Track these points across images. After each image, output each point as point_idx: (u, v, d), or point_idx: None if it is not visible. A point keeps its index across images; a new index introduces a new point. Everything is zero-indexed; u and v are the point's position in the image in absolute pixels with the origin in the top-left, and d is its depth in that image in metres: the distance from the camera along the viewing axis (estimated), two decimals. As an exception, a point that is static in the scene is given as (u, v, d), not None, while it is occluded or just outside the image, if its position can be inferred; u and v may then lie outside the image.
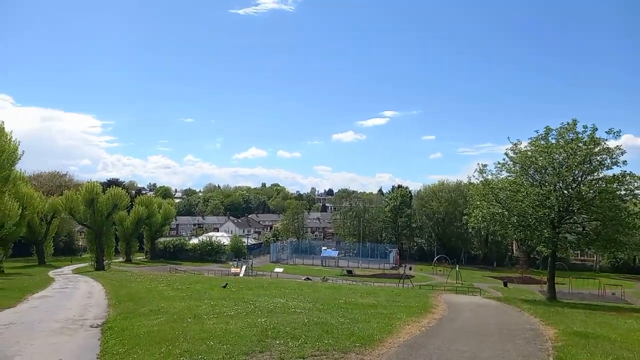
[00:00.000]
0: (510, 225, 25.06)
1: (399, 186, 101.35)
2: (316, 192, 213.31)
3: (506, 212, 24.66)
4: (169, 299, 16.22)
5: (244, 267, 54.18)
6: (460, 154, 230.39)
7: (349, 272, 57.70)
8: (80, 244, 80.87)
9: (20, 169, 44.40)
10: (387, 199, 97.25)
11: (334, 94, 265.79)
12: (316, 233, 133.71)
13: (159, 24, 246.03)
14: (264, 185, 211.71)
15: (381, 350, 8.45)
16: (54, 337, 10.15)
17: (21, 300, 17.86)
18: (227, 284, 23.14)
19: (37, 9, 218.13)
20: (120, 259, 66.04)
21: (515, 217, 24.44)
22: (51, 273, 41.85)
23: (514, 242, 73.17)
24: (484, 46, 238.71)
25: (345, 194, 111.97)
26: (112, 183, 71.98)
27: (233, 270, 53.97)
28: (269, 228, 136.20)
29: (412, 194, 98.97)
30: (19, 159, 31.14)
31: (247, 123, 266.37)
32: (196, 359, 7.13)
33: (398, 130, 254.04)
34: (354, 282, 41.82)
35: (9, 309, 15.02)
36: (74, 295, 20.06)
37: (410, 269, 60.24)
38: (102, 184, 61.84)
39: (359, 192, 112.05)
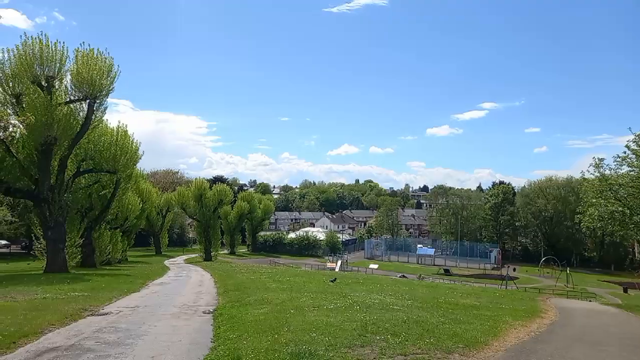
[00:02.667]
0: (633, 225, 22.54)
1: (501, 182, 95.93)
2: (410, 189, 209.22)
3: (627, 211, 22.20)
4: (272, 290, 17.03)
5: (339, 262, 54.99)
6: (569, 146, 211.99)
7: (447, 271, 55.91)
8: (190, 236, 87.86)
9: (140, 167, 49.28)
10: (487, 196, 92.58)
11: (429, 88, 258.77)
12: (411, 230, 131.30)
13: (255, 28, 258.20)
14: (357, 181, 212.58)
15: (486, 353, 8.13)
16: (173, 320, 11.20)
17: (144, 286, 19.93)
18: (335, 278, 23.56)
19: (149, 24, 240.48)
20: (225, 251, 70.53)
21: (639, 216, 21.93)
22: (166, 262, 46.00)
23: (636, 243, 65.44)
24: (595, 30, 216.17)
25: (442, 190, 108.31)
26: (218, 180, 77.03)
27: (329, 264, 55.04)
28: (362, 224, 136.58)
29: (515, 190, 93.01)
30: (140, 158, 34.56)
31: (340, 120, 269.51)
32: (300, 348, 7.43)
33: (498, 122, 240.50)
34: (452, 282, 40.46)
35: (135, 294, 16.85)
36: (187, 283, 21.93)
37: (514, 270, 56.80)
38: (209, 180, 66.38)
39: (455, 188, 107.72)
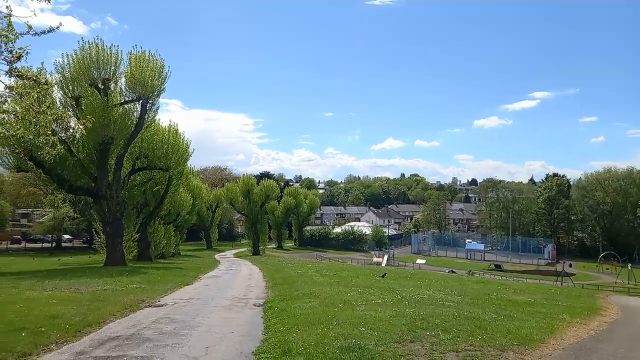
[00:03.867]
0: None
1: (554, 174, 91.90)
2: (458, 182, 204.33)
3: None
4: (319, 284, 17.17)
5: (385, 257, 54.61)
6: (630, 136, 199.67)
7: (497, 267, 54.25)
8: (239, 230, 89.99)
9: (190, 165, 50.89)
10: (540, 189, 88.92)
11: (475, 79, 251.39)
12: (459, 225, 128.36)
13: (298, 25, 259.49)
14: (402, 175, 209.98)
15: (543, 351, 7.84)
16: (225, 312, 11.52)
17: (196, 279, 20.63)
18: (385, 273, 23.42)
19: (196, 25, 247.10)
20: (273, 245, 71.70)
21: None
22: (217, 256, 47.37)
23: None
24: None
25: (491, 183, 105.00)
26: (264, 176, 78.43)
27: (375, 259, 54.78)
28: (409, 219, 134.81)
29: (570, 182, 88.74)
30: (190, 156, 35.75)
31: (384, 114, 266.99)
32: (350, 342, 7.45)
33: (551, 112, 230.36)
34: (503, 278, 39.20)
35: (188, 286, 17.48)
36: (237, 277, 22.50)
37: (570, 265, 54.24)
38: (256, 176, 67.65)
39: (506, 181, 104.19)
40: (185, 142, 34.32)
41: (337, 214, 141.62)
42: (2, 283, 16.51)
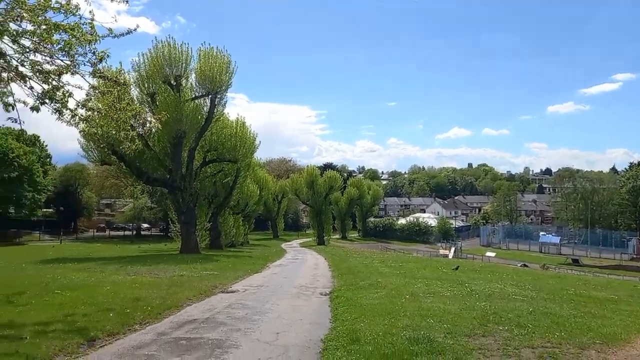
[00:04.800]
0: None
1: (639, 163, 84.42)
2: (530, 172, 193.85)
3: None
4: (385, 275, 17.09)
5: (452, 249, 53.25)
6: None
7: (575, 261, 51.05)
8: (304, 221, 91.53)
9: (257, 157, 52.37)
10: (623, 179, 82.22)
11: (549, 63, 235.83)
12: (532, 217, 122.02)
13: (358, 14, 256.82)
14: (470, 165, 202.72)
15: (630, 351, 7.29)
16: (293, 300, 11.81)
17: (264, 267, 21.31)
18: (458, 266, 22.73)
19: (258, 20, 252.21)
20: (337, 236, 72.21)
21: None
22: (283, 245, 48.54)
23: None
24: None
25: (568, 173, 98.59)
26: (327, 167, 79.04)
27: (442, 251, 53.58)
28: (477, 210, 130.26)
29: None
30: (257, 148, 36.79)
31: (449, 102, 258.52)
32: (418, 334, 7.37)
33: (635, 95, 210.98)
34: (582, 273, 36.85)
35: (257, 274, 18.10)
36: (303, 266, 22.95)
37: (658, 261, 49.86)
38: (319, 168, 68.29)
39: (584, 170, 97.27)
40: (252, 135, 35.35)
41: (401, 205, 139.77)
42: (92, 267, 18.00)
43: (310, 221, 64.54)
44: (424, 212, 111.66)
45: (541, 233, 76.00)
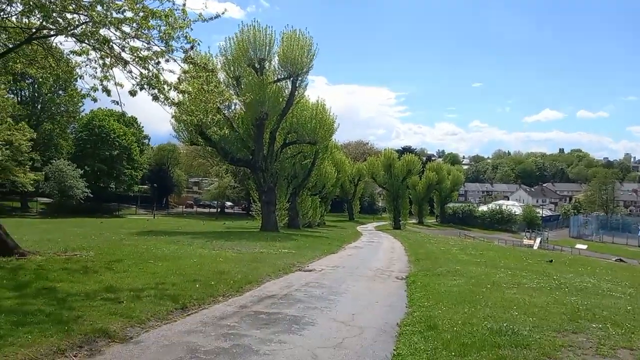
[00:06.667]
0: None
1: None
2: (632, 159, 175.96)
3: None
4: (464, 262, 16.54)
5: (538, 240, 50.16)
6: None
7: (683, 259, 45.79)
8: (380, 204, 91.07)
9: (335, 139, 52.59)
10: None
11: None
12: (631, 208, 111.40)
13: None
14: (561, 150, 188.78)
15: None
16: (369, 282, 11.83)
17: (340, 248, 21.57)
18: (552, 259, 21.35)
19: (337, 4, 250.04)
20: (413, 221, 71.09)
21: None
22: (358, 228, 48.70)
23: None
24: None
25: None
26: (406, 150, 77.56)
27: (526, 241, 50.69)
28: (567, 199, 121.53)
29: None
30: (336, 130, 36.93)
31: (539, 82, 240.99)
32: (501, 325, 7.05)
33: None
34: (691, 272, 33.05)
35: (333, 255, 18.36)
36: (379, 249, 22.89)
37: None
38: (397, 151, 67.19)
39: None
40: (331, 118, 35.49)
41: (482, 192, 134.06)
42: (180, 241, 19.32)
43: (386, 205, 63.99)
44: (508, 199, 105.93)
45: (642, 226, 69.02)
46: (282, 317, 7.55)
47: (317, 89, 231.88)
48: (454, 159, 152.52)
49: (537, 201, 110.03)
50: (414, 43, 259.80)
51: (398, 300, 9.61)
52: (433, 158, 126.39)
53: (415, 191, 70.24)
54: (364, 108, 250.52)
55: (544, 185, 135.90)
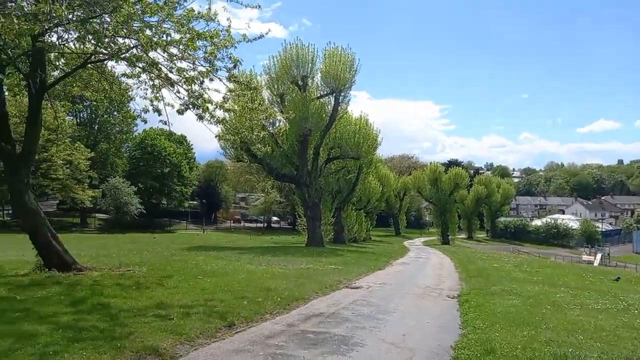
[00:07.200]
0: None
1: None
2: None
3: None
4: (519, 280, 15.73)
5: (598, 256, 47.20)
6: None
7: None
8: (427, 219, 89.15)
9: (379, 153, 52.14)
10: None
11: None
12: None
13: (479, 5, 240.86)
14: (620, 161, 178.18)
15: None
16: (418, 300, 11.42)
17: (387, 264, 21.10)
18: (619, 277, 19.98)
19: (376, 18, 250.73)
20: (462, 236, 69.03)
21: None
22: (405, 243, 47.73)
23: None
24: None
25: None
26: (452, 163, 75.70)
27: (585, 257, 47.87)
28: (629, 212, 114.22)
29: None
30: (379, 144, 36.66)
31: (592, 91, 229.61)
32: (565, 350, 6.55)
33: None
34: None
35: (380, 271, 17.96)
36: (427, 265, 22.23)
37: None
38: (443, 164, 65.77)
39: None
40: (374, 132, 35.30)
41: (535, 205, 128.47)
42: (228, 256, 19.55)
43: (433, 219, 62.55)
44: (563, 213, 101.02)
45: None
46: (330, 337, 7.35)
47: (359, 104, 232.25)
48: (503, 172, 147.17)
49: (595, 215, 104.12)
50: (457, 58, 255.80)
51: (450, 321, 9.18)
52: (481, 171, 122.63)
53: (463, 205, 68.30)
54: (407, 122, 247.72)
55: (603, 198, 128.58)
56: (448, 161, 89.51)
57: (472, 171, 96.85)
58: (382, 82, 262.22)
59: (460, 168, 63.35)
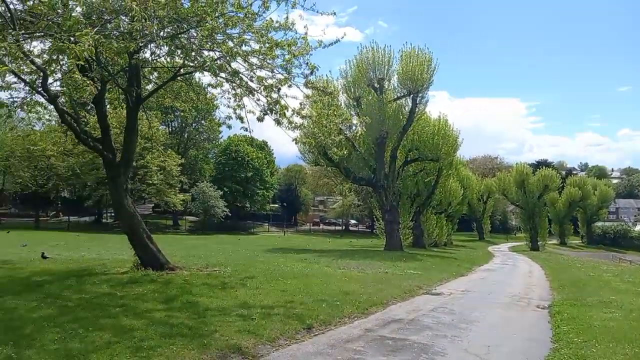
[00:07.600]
0: None
1: None
2: None
3: None
4: (620, 291, 14.30)
5: None
6: None
7: None
8: (513, 223, 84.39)
9: (460, 155, 50.27)
10: None
11: None
12: None
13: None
14: None
15: None
16: (504, 310, 10.81)
17: (470, 270, 20.24)
18: None
19: (458, 17, 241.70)
20: (554, 241, 64.54)
21: None
22: (490, 248, 45.53)
23: None
24: None
25: None
26: (541, 164, 71.00)
27: (702, 267, 42.49)
28: None
29: None
30: (460, 146, 35.37)
31: None
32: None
33: None
34: None
35: (462, 277, 17.30)
36: (514, 273, 21.01)
37: None
38: (531, 165, 61.90)
39: None
40: (454, 133, 34.13)
41: (638, 209, 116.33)
42: (308, 258, 19.91)
43: (521, 224, 58.92)
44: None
45: None
46: (410, 345, 7.21)
47: (438, 104, 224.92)
48: (600, 172, 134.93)
49: None
50: (544, 48, 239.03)
51: (540, 333, 8.59)
52: (574, 172, 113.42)
53: (554, 209, 63.62)
54: (491, 121, 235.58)
55: None
56: (536, 161, 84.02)
57: (563, 172, 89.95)
58: (464, 81, 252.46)
59: (550, 169, 59.12)
